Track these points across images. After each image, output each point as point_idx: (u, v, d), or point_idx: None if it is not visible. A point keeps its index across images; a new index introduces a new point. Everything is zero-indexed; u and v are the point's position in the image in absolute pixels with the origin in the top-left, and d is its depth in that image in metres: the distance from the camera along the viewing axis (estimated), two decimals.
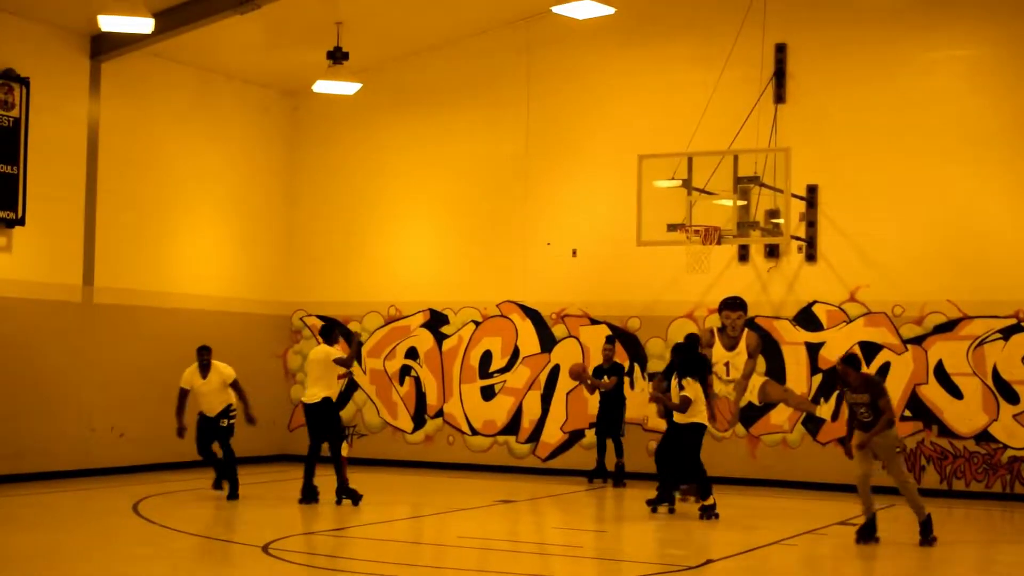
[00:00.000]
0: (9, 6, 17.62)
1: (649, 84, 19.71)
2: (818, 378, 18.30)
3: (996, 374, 17.47)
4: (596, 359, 19.25)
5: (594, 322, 19.84)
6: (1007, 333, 17.45)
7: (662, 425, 16.09)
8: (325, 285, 21.91)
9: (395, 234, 21.52)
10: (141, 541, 12.97)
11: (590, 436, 19.41)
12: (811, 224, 18.52)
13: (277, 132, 22.12)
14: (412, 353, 21.12)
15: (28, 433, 17.87)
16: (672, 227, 16.62)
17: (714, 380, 15.09)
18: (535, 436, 20.18)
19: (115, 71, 19.07)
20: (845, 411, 14.21)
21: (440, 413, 20.86)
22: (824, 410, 18.19)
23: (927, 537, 13.13)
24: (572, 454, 19.88)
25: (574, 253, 20.07)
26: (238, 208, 21.35)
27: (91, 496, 16.72)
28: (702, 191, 16.81)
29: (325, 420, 15.55)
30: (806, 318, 18.56)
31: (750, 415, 18.10)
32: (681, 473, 15.47)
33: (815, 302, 18.53)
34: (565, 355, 19.92)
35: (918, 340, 17.92)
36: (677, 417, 15.13)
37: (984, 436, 17.52)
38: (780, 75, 18.70)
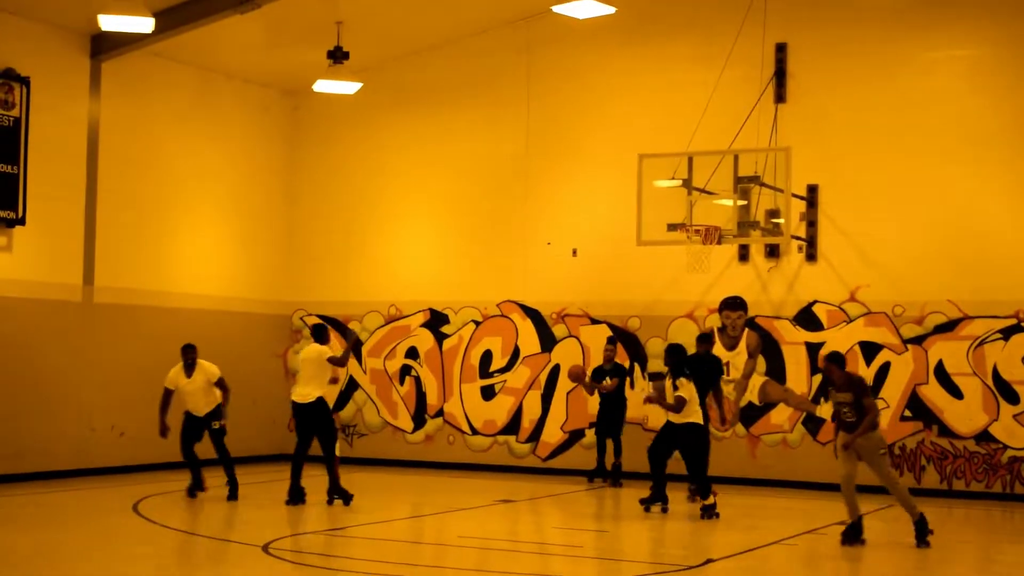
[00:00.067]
0: (9, 6, 17.62)
1: (649, 83, 19.71)
2: (818, 378, 18.26)
3: (996, 374, 17.46)
4: (596, 359, 19.25)
5: (594, 322, 19.83)
6: (1007, 333, 17.44)
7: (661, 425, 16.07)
8: (325, 285, 21.91)
9: (395, 233, 21.51)
10: (141, 541, 12.97)
11: (590, 436, 19.41)
12: (811, 224, 18.52)
13: (277, 131, 22.12)
14: (412, 353, 21.12)
15: (28, 433, 17.87)
16: (672, 227, 16.59)
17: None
18: (535, 436, 20.18)
19: (115, 70, 19.07)
20: None
21: (440, 413, 20.86)
22: (824, 410, 18.12)
23: (923, 538, 13.10)
24: (572, 454, 19.88)
25: (574, 253, 20.06)
26: (238, 207, 21.35)
27: (91, 496, 16.72)
28: (702, 191, 16.79)
29: (319, 420, 15.51)
30: (806, 318, 18.56)
31: (750, 415, 18.10)
32: (689, 474, 15.45)
33: (815, 302, 18.53)
34: (565, 355, 19.92)
35: (918, 340, 17.91)
36: (672, 417, 15.12)
37: (984, 436, 17.52)
38: (780, 75, 18.70)
